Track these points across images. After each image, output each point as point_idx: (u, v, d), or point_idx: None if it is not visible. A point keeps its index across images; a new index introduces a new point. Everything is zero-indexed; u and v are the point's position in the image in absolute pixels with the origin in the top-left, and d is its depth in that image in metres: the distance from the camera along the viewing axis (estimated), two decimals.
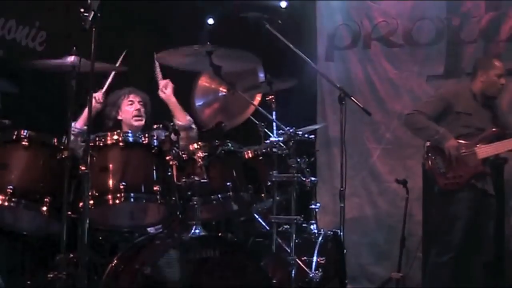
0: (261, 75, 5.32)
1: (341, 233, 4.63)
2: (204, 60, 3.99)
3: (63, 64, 3.74)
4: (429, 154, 5.26)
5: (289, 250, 3.95)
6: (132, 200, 3.60)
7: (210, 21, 6.98)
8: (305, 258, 4.11)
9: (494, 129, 5.13)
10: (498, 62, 5.31)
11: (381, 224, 6.77)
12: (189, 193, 3.71)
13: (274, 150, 4.13)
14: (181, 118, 4.80)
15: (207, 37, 4.15)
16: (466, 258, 5.15)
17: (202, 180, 3.71)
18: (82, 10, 3.15)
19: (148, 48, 4.99)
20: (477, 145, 5.08)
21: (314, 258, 4.10)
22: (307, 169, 4.41)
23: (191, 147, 3.94)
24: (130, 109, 4.82)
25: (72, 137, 3.69)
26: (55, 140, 3.58)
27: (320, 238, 4.28)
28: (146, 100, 4.91)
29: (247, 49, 4.15)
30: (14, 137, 3.52)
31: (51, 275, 3.33)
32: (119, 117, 4.83)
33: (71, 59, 3.71)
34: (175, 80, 4.95)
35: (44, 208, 3.46)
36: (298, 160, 4.18)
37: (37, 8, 5.72)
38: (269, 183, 4.13)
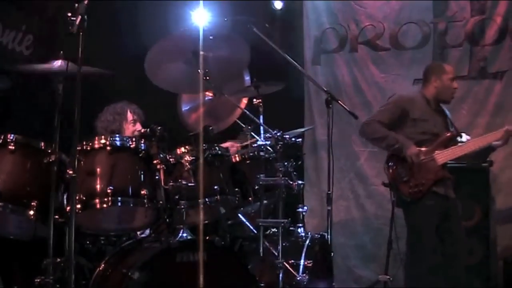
0: (247, 78, 5.33)
1: (329, 236, 4.65)
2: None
3: (50, 68, 3.72)
4: (390, 164, 5.23)
5: (276, 253, 3.97)
6: (119, 204, 3.61)
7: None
8: (292, 261, 4.13)
9: (448, 134, 5.13)
10: (449, 66, 5.32)
11: (368, 227, 6.78)
12: (177, 196, 3.72)
13: (261, 153, 4.14)
14: None
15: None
16: (444, 264, 5.14)
17: (190, 184, 3.72)
18: (69, 14, 3.15)
19: (134, 51, 4.99)
20: (435, 151, 5.07)
21: (302, 261, 4.12)
22: (294, 173, 4.43)
23: (178, 151, 3.95)
24: (132, 127, 4.86)
25: None
26: (42, 144, 3.57)
27: (307, 241, 4.30)
28: (141, 114, 4.96)
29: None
30: (1, 141, 3.50)
31: (38, 280, 3.33)
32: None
33: (57, 63, 3.69)
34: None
35: (31, 212, 3.44)
36: (285, 163, 4.19)
37: (24, 11, 5.71)
38: (256, 187, 4.15)
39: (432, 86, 5.21)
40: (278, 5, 7.00)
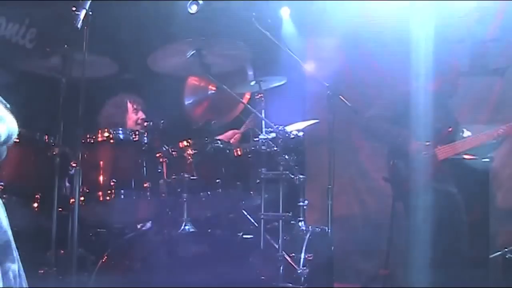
0: (250, 73, 5.35)
1: (329, 230, 4.67)
2: (194, 60, 4.03)
3: (54, 63, 3.75)
4: (391, 158, 5.25)
5: (277, 247, 3.99)
6: (122, 196, 3.64)
7: (193, 8, 6.93)
8: (293, 254, 4.15)
9: (450, 129, 5.15)
10: (454, 61, 5.33)
11: (369, 222, 6.80)
12: (179, 189, 3.75)
13: (263, 147, 4.16)
14: None
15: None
16: (445, 258, 5.18)
17: (192, 177, 3.75)
18: (73, 8, 3.18)
19: (136, 45, 5.01)
20: (437, 147, 5.09)
21: (302, 255, 4.13)
22: (296, 167, 4.44)
23: (181, 145, 3.97)
24: (134, 116, 4.87)
25: None
26: (46, 138, 3.60)
27: (308, 235, 4.31)
28: (141, 102, 4.98)
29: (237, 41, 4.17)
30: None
31: (42, 271, 3.36)
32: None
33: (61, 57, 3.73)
34: (165, 79, 4.97)
35: (35, 205, 3.49)
36: (287, 157, 4.21)
37: (27, 5, 5.72)
38: (257, 180, 4.17)
39: (435, 81, 5.23)
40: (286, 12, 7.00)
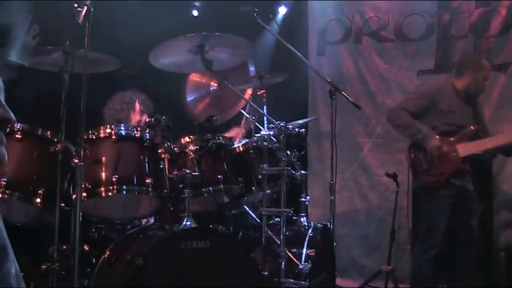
0: (252, 69, 5.36)
1: (331, 226, 4.68)
2: (195, 57, 4.04)
3: (56, 59, 3.76)
4: (411, 150, 5.29)
5: (279, 242, 4.00)
6: (124, 192, 3.65)
7: (195, 12, 7.00)
8: (295, 250, 4.15)
9: (472, 127, 5.16)
10: (486, 63, 5.30)
11: (371, 217, 6.82)
12: (181, 185, 3.76)
13: (265, 143, 4.17)
14: None
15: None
16: (451, 254, 5.20)
17: (194, 173, 3.76)
18: (75, 5, 3.19)
19: (137, 43, 5.01)
20: (459, 143, 5.11)
21: (304, 250, 4.13)
22: (298, 163, 4.45)
23: (182, 141, 3.99)
24: (139, 117, 4.88)
25: None
26: (49, 133, 3.62)
27: (310, 231, 4.32)
28: (149, 104, 4.98)
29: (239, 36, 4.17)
30: (8, 130, 3.53)
31: (44, 266, 3.38)
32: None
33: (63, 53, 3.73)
34: (166, 75, 4.98)
35: (38, 200, 3.50)
36: (289, 153, 4.21)
37: (30, 1, 5.73)
38: (259, 176, 4.18)
39: (465, 79, 5.22)
40: (282, 10, 7.04)
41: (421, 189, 5.25)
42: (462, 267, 5.23)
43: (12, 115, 1.37)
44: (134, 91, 5.02)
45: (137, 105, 4.95)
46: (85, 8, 3.17)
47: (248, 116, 4.82)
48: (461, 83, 5.23)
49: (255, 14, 4.50)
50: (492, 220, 5.91)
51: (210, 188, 3.93)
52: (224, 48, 4.18)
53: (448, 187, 5.08)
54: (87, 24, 3.20)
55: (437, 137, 5.10)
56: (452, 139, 5.10)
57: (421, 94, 5.38)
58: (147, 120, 4.06)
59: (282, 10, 7.07)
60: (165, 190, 3.78)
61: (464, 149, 5.09)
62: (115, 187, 3.58)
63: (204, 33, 3.97)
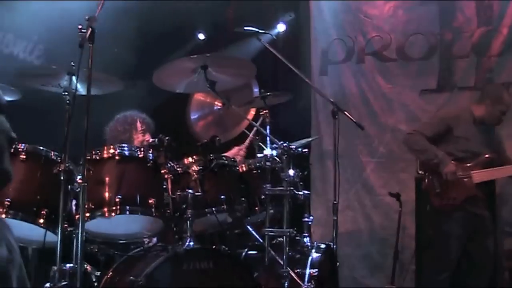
0: (256, 90, 5.38)
1: (334, 246, 4.68)
2: (199, 77, 4.06)
3: (60, 79, 3.79)
4: (426, 174, 5.31)
5: (282, 262, 3.99)
6: (127, 212, 3.65)
7: (201, 36, 7.07)
8: (298, 270, 4.15)
9: (489, 156, 5.19)
10: (508, 97, 5.32)
11: (375, 237, 6.80)
12: (184, 205, 3.76)
13: (268, 163, 4.18)
14: None
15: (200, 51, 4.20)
16: (464, 277, 5.21)
17: (197, 193, 3.76)
18: (79, 26, 3.23)
19: (140, 65, 5.03)
20: (473, 170, 5.14)
21: (307, 270, 4.13)
22: (300, 183, 4.45)
23: (186, 161, 3.99)
24: (141, 137, 4.87)
25: None
26: (52, 154, 3.63)
27: (313, 251, 4.32)
28: (151, 123, 4.98)
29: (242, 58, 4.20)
30: (12, 150, 3.56)
31: (47, 286, 3.37)
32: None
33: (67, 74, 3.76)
34: (169, 96, 4.99)
35: (41, 220, 3.51)
36: (292, 173, 4.21)
37: (35, 22, 5.78)
38: (262, 196, 4.18)
39: (483, 108, 5.28)
40: (281, 28, 7.09)
41: (434, 213, 5.27)
42: None
43: (13, 133, 1.39)
44: (134, 111, 5.02)
45: (139, 125, 4.95)
46: (89, 30, 3.20)
47: (252, 136, 4.83)
48: (479, 111, 5.28)
49: (260, 40, 4.54)
50: (496, 238, 5.90)
51: (213, 209, 3.92)
52: (227, 69, 4.20)
53: (461, 211, 5.12)
54: (91, 46, 3.22)
55: (452, 162, 5.13)
56: (467, 165, 5.13)
57: (438, 119, 5.45)
58: (150, 140, 4.08)
59: (281, 27, 7.11)
60: (168, 211, 3.79)
61: (479, 176, 5.13)
62: (118, 207, 3.58)
63: (207, 55, 4.00)
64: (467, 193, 5.13)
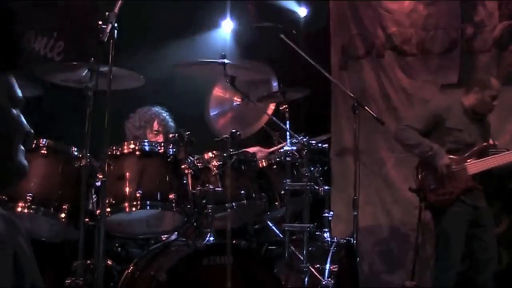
0: (275, 85, 5.37)
1: (355, 241, 4.66)
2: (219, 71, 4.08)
3: (80, 75, 3.80)
4: (419, 170, 5.25)
5: (302, 258, 3.99)
6: (148, 207, 3.67)
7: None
8: (318, 265, 4.14)
9: (483, 145, 5.12)
10: (496, 83, 5.24)
11: (395, 233, 6.77)
12: (204, 201, 3.77)
13: (288, 159, 4.17)
14: None
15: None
16: (471, 272, 5.16)
17: (217, 189, 3.77)
18: (100, 22, 3.23)
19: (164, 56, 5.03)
20: (468, 161, 5.06)
21: (327, 266, 4.12)
22: (320, 178, 4.44)
23: (206, 156, 4.00)
24: (153, 137, 4.86)
25: None
26: (73, 149, 3.66)
27: (333, 246, 4.31)
28: (168, 125, 4.98)
29: (261, 60, 4.21)
30: (34, 145, 3.59)
31: (69, 281, 3.40)
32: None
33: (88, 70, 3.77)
34: (191, 90, 4.99)
35: (63, 215, 3.54)
36: (311, 168, 4.21)
37: (55, 18, 5.82)
38: (282, 192, 4.18)
39: (472, 97, 5.19)
40: (303, 12, 7.05)
41: (432, 210, 5.21)
42: (485, 284, 5.17)
43: (29, 128, 1.40)
44: (157, 107, 5.01)
45: (156, 125, 4.92)
46: (109, 25, 3.21)
47: (271, 132, 4.81)
48: (468, 101, 5.19)
49: (282, 36, 4.53)
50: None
51: (233, 204, 3.93)
52: (245, 73, 4.22)
53: (459, 205, 5.04)
54: (111, 41, 3.23)
55: (448, 156, 5.07)
56: (460, 156, 5.06)
57: (428, 112, 5.34)
58: (171, 135, 4.08)
59: (303, 12, 7.07)
60: (188, 206, 3.79)
61: (474, 166, 5.04)
62: (138, 202, 3.60)
63: (225, 61, 4.01)
64: (464, 186, 5.04)
